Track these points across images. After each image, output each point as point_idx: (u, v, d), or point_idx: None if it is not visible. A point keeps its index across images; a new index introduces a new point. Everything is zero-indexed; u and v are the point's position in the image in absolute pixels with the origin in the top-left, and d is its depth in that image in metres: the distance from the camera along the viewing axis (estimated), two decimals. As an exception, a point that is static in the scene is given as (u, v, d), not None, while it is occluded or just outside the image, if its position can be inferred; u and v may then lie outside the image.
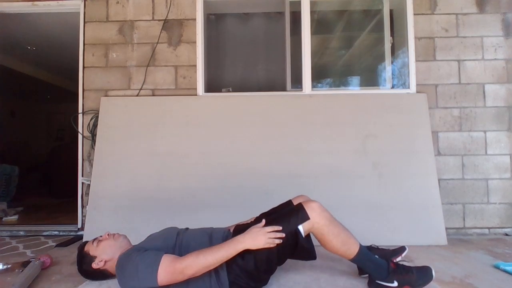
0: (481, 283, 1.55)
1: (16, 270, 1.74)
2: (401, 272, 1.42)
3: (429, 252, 2.02)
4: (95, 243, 1.48)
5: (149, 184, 2.42)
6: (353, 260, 1.43)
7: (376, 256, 1.49)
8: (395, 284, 1.40)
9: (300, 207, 1.40)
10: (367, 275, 1.52)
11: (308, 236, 1.39)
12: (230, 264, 1.33)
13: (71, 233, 2.61)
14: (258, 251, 1.31)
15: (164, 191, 2.40)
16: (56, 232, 2.65)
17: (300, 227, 1.35)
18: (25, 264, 1.75)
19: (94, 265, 1.43)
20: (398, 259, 1.68)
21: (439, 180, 2.43)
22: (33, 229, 2.69)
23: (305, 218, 1.35)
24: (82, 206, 2.63)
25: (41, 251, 2.18)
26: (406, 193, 2.34)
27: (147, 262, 1.28)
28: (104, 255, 1.44)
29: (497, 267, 1.75)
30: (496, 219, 2.51)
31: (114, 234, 1.53)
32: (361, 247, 1.42)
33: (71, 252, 2.13)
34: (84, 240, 2.32)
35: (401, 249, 1.72)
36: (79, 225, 2.63)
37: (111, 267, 1.43)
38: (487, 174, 2.54)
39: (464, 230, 2.51)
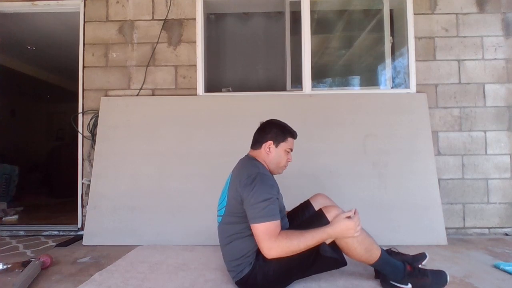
0: (481, 283, 1.55)
1: (16, 270, 1.74)
2: (417, 275, 1.42)
3: (429, 252, 2.00)
4: (287, 149, 1.52)
5: (149, 184, 2.42)
6: (373, 265, 1.42)
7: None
8: (409, 286, 1.40)
9: (323, 216, 1.37)
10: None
11: (332, 244, 1.37)
12: (255, 263, 1.36)
13: (71, 233, 2.61)
14: (280, 259, 1.29)
15: (164, 191, 2.40)
16: (56, 232, 2.65)
17: None
18: (25, 264, 1.75)
19: (269, 143, 1.48)
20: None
21: (439, 180, 2.43)
22: (33, 229, 2.69)
23: None
24: (82, 206, 2.63)
25: (41, 251, 2.17)
26: (406, 193, 2.34)
27: (272, 209, 1.29)
28: (274, 155, 1.48)
29: (497, 267, 1.75)
30: (496, 219, 2.51)
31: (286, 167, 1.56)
32: (382, 251, 1.41)
33: (71, 252, 2.13)
34: (84, 240, 2.32)
35: (422, 256, 1.71)
36: (79, 225, 2.63)
37: (263, 155, 1.49)
38: (487, 174, 2.54)
39: (464, 230, 2.51)
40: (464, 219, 2.52)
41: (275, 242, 1.25)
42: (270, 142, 1.48)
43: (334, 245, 1.37)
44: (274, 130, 1.51)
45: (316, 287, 1.51)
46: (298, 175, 2.38)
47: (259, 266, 1.35)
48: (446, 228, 2.29)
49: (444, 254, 1.99)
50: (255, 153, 1.53)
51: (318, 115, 2.52)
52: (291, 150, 1.55)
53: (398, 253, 1.70)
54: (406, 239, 2.18)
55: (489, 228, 2.51)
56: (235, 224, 1.39)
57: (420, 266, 1.60)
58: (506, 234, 2.47)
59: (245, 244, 1.38)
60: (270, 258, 1.27)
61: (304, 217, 1.59)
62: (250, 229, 1.32)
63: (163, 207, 2.36)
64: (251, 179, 1.33)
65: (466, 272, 1.68)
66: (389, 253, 1.65)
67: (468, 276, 1.63)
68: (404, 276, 1.40)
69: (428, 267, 1.49)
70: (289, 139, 1.53)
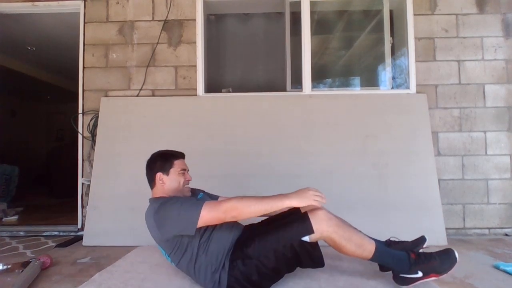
0: (481, 283, 1.55)
1: (16, 271, 1.74)
2: (423, 261, 1.37)
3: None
4: (179, 172, 1.53)
5: (149, 184, 2.41)
6: (371, 259, 1.39)
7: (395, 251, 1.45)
8: (420, 274, 1.35)
9: (305, 217, 1.36)
10: (388, 271, 1.48)
11: (315, 245, 1.37)
12: (232, 268, 1.34)
13: (71, 234, 2.61)
14: (261, 259, 1.31)
15: (164, 191, 2.39)
16: (56, 233, 2.65)
17: (306, 238, 1.33)
18: (25, 264, 1.75)
19: (158, 175, 1.52)
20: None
21: (439, 180, 2.43)
22: (33, 229, 2.69)
23: (310, 230, 1.32)
24: (82, 206, 2.63)
25: (41, 251, 2.17)
26: (406, 193, 2.34)
27: (189, 204, 1.34)
28: (169, 183, 1.51)
29: (497, 267, 1.75)
30: (496, 219, 2.51)
31: (188, 187, 1.59)
32: (377, 245, 1.38)
33: (71, 253, 2.13)
34: (84, 240, 2.32)
35: (421, 239, 1.63)
36: (79, 225, 2.62)
37: (160, 188, 1.52)
38: (487, 174, 2.54)
39: (464, 231, 2.51)
40: (464, 220, 2.52)
41: (226, 204, 1.29)
42: (159, 173, 1.53)
43: (314, 249, 1.38)
44: (157, 163, 1.55)
45: (316, 287, 1.51)
46: (297, 175, 2.39)
47: (238, 271, 1.34)
48: (446, 229, 2.29)
49: (444, 255, 1.99)
50: (154, 192, 1.57)
51: (318, 115, 2.52)
52: (185, 170, 1.58)
53: (398, 242, 1.64)
54: (406, 240, 2.17)
55: (489, 228, 2.51)
56: (185, 254, 1.40)
57: (421, 250, 1.54)
58: (506, 235, 2.47)
59: (206, 260, 1.38)
60: (233, 216, 1.29)
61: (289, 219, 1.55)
62: (200, 248, 1.37)
63: (163, 208, 2.35)
64: (158, 216, 1.37)
65: (466, 273, 1.68)
66: (388, 244, 1.61)
67: (468, 277, 1.63)
68: (410, 265, 1.37)
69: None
70: (176, 162, 1.55)
